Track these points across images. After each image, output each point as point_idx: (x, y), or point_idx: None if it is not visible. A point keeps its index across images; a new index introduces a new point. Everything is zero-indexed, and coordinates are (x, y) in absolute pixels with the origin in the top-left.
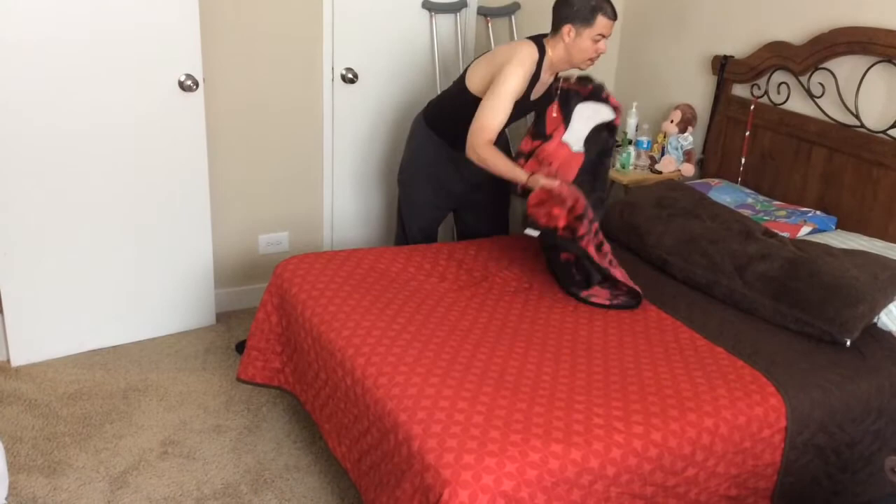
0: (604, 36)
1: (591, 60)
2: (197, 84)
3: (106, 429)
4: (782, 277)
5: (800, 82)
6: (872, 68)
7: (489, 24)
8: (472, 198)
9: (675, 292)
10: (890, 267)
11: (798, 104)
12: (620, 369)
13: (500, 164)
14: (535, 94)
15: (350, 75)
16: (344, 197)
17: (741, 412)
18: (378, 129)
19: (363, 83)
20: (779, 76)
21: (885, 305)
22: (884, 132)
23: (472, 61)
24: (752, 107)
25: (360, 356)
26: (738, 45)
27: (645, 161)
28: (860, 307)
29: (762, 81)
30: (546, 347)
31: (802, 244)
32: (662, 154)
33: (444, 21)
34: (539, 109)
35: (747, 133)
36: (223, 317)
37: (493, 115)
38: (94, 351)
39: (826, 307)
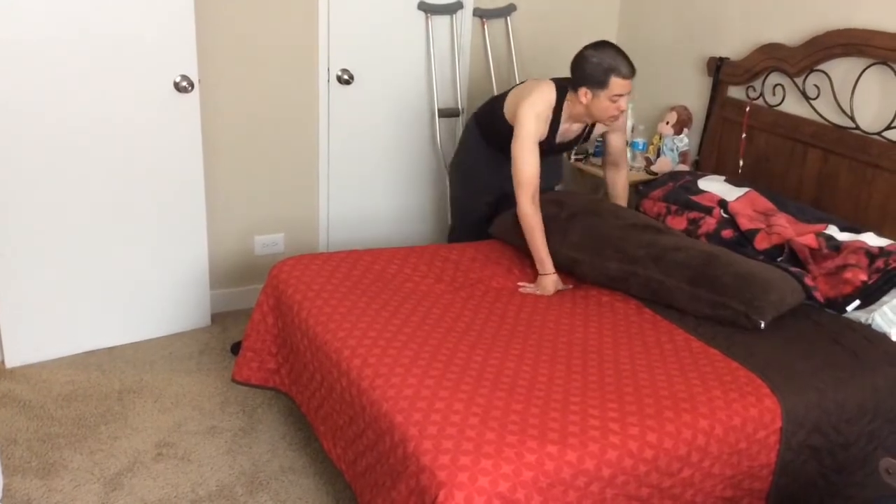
0: (621, 95)
1: (614, 118)
2: (192, 85)
3: (101, 430)
4: (699, 266)
5: (795, 84)
6: (867, 70)
7: (485, 26)
8: (513, 199)
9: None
10: (791, 274)
11: (793, 106)
12: (616, 370)
13: (537, 240)
14: (561, 137)
15: (346, 76)
16: (340, 198)
17: (736, 413)
18: (374, 130)
19: (359, 84)
20: (774, 78)
21: (791, 305)
22: (878, 134)
23: (516, 85)
24: (747, 108)
25: (355, 357)
26: (734, 46)
27: (641, 162)
28: (772, 294)
29: (757, 83)
30: (542, 349)
31: (709, 244)
32: (658, 155)
33: (440, 22)
34: (570, 149)
35: (743, 135)
36: (218, 318)
37: (523, 166)
38: (89, 352)
39: (741, 290)
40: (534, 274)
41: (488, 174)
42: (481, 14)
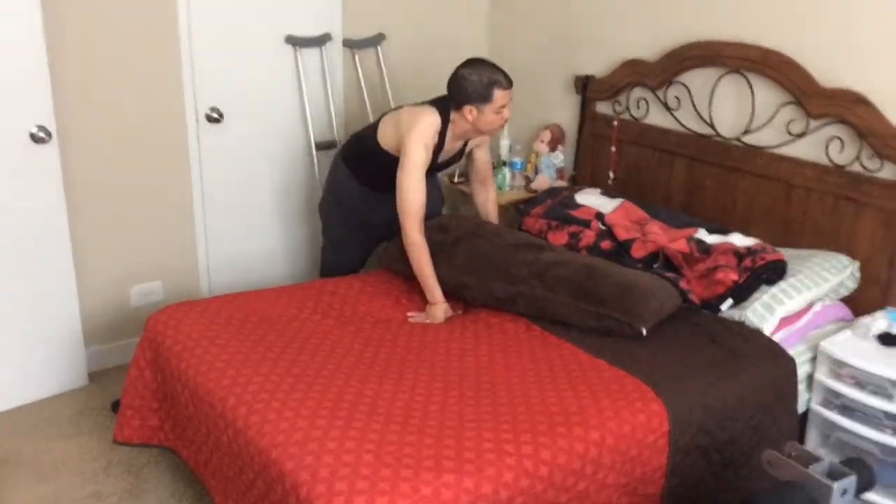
0: (504, 105)
1: (500, 127)
2: (50, 135)
3: None
4: (580, 279)
5: (657, 97)
6: (722, 79)
7: (356, 56)
8: (395, 229)
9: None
10: (666, 280)
11: (657, 118)
12: (508, 392)
13: (425, 269)
14: (443, 157)
15: (215, 115)
16: (220, 240)
17: (625, 421)
18: (249, 168)
19: (229, 122)
20: (638, 92)
21: (669, 310)
22: (737, 139)
23: (384, 114)
24: (615, 123)
25: (241, 405)
26: (598, 64)
27: (520, 181)
28: (651, 302)
29: (623, 98)
30: (434, 377)
31: (589, 256)
32: (536, 173)
33: (310, 55)
34: (448, 167)
35: (613, 148)
36: (97, 376)
37: (411, 196)
38: None
39: (622, 301)
40: (422, 302)
41: (363, 209)
42: (351, 45)
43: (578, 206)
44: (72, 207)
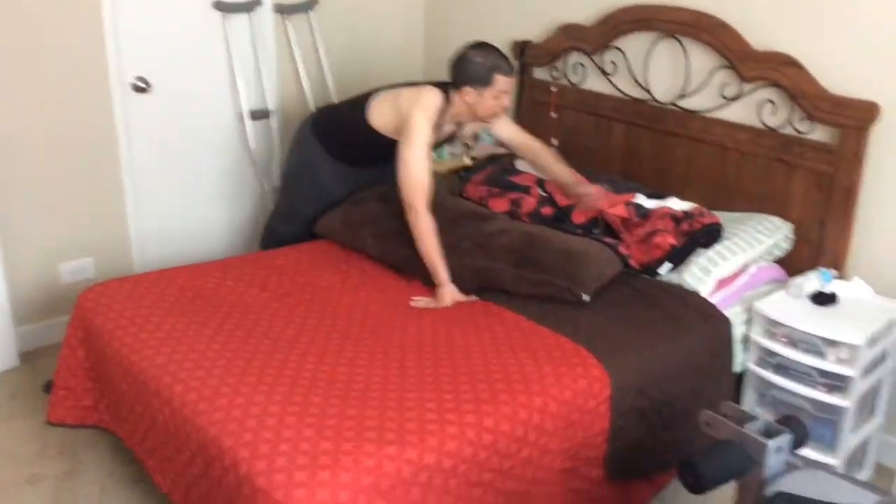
0: (505, 92)
1: (497, 115)
2: None
3: None
4: (521, 247)
5: (593, 62)
6: (658, 44)
7: (286, 23)
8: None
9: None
10: (606, 245)
11: (595, 83)
12: (451, 361)
13: (432, 248)
14: (439, 138)
15: (142, 84)
16: (150, 214)
17: (567, 387)
18: (179, 139)
19: (157, 91)
20: (575, 57)
21: (610, 275)
22: (672, 104)
23: (373, 91)
24: (553, 89)
25: (177, 383)
26: (535, 29)
27: (460, 149)
28: (592, 269)
29: (560, 63)
30: (375, 349)
31: (530, 224)
32: (477, 141)
33: (239, 21)
34: (436, 149)
35: (552, 114)
36: (28, 356)
37: (418, 170)
38: None
39: (563, 268)
40: (363, 271)
41: (336, 185)
42: (282, 10)
43: (518, 171)
44: None
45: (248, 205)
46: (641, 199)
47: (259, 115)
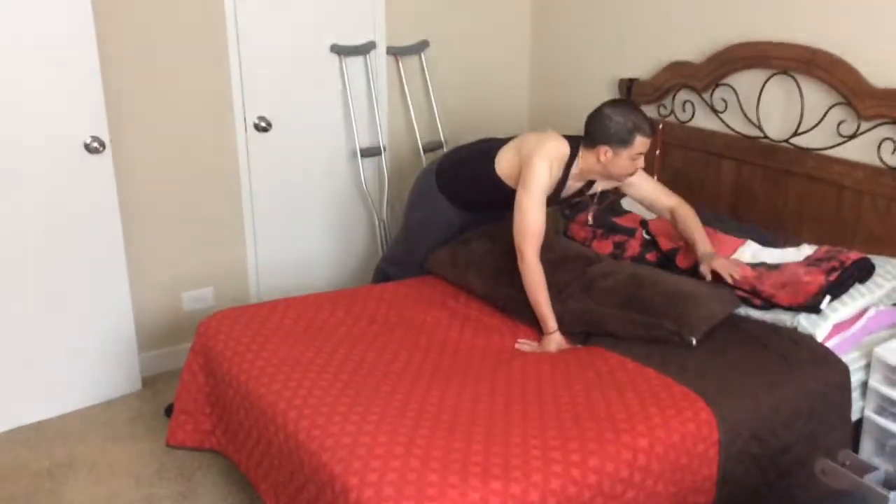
0: (642, 154)
1: (631, 175)
2: (104, 146)
3: None
4: (627, 290)
5: (703, 99)
6: (769, 81)
7: (399, 64)
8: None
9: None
10: (719, 287)
11: (703, 120)
12: (554, 399)
13: (540, 295)
14: (565, 193)
15: (263, 124)
16: (268, 246)
17: (674, 430)
18: (296, 175)
19: (277, 131)
20: (683, 94)
21: (721, 316)
22: (786, 141)
23: (493, 140)
24: (660, 126)
25: (291, 410)
26: (643, 66)
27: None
28: (702, 309)
29: (668, 101)
30: (480, 384)
31: (635, 265)
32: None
33: (355, 63)
34: (568, 207)
35: (657, 151)
36: (150, 381)
37: (532, 216)
38: (14, 429)
39: (672, 309)
40: (469, 308)
41: (457, 228)
42: (395, 52)
43: (625, 211)
44: (125, 216)
45: (359, 238)
46: (753, 249)
47: (371, 152)
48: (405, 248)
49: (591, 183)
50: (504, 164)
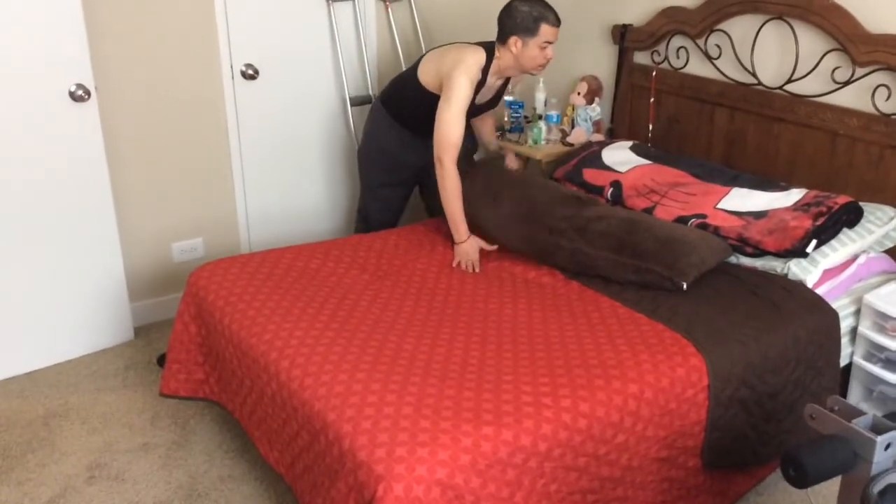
0: (550, 42)
1: (542, 66)
2: (89, 94)
3: (28, 458)
4: (620, 233)
5: (697, 45)
6: (764, 26)
7: (389, 10)
8: (432, 172)
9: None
10: (710, 233)
11: (697, 67)
12: (546, 345)
13: (454, 202)
14: (482, 98)
15: (250, 71)
16: (258, 196)
17: (664, 375)
18: (285, 124)
19: (265, 78)
20: (677, 41)
21: (712, 264)
22: (780, 88)
23: (426, 52)
24: (653, 73)
25: (283, 359)
26: (636, 13)
27: (556, 135)
28: (692, 256)
29: (661, 47)
30: (472, 330)
31: (630, 211)
32: (573, 126)
33: (343, 9)
34: (485, 111)
35: (651, 99)
36: (142, 331)
37: (450, 128)
38: (7, 379)
39: (663, 255)
40: None
41: (403, 154)
42: None
43: (599, 167)
44: (112, 165)
45: (349, 187)
46: (742, 195)
47: (360, 100)
48: (363, 175)
49: (507, 81)
50: (425, 73)
